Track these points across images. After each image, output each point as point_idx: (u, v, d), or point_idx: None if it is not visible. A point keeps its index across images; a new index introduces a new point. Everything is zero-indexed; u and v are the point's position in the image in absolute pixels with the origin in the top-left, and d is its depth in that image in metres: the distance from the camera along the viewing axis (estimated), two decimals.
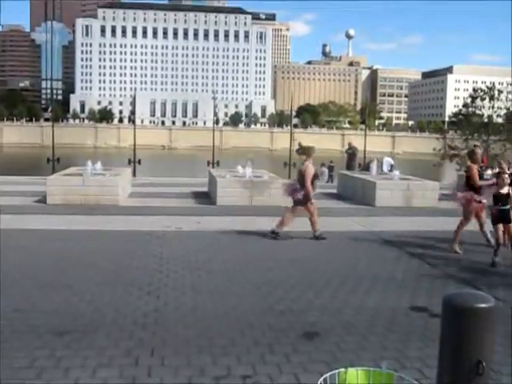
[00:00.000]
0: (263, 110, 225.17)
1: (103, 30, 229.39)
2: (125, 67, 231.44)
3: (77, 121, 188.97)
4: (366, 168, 25.09)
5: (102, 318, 5.97)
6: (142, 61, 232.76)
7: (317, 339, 5.48)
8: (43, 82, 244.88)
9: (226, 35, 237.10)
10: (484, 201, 10.38)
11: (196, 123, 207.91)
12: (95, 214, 13.87)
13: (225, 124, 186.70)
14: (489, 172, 12.40)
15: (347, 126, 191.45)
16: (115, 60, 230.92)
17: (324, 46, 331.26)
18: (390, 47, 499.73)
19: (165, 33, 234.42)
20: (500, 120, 38.80)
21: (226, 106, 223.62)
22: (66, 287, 7.12)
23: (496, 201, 9.62)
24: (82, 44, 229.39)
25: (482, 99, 38.66)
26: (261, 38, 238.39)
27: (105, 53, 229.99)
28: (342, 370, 2.97)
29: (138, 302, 6.52)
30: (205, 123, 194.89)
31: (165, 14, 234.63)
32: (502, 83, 40.87)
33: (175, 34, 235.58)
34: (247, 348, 5.20)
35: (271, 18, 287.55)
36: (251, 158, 18.62)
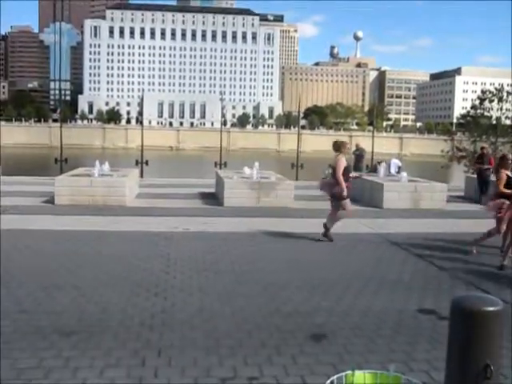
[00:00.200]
0: (271, 111, 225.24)
1: (111, 31, 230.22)
2: (133, 68, 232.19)
3: (85, 121, 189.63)
4: (373, 169, 25.04)
5: (110, 318, 5.98)
6: (149, 62, 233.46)
7: (324, 341, 5.47)
8: (51, 83, 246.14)
9: (234, 36, 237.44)
10: None
11: (203, 124, 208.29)
12: (102, 215, 13.90)
13: (232, 125, 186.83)
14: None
15: (355, 127, 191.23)
16: (123, 61, 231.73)
17: (332, 47, 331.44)
18: (399, 49, 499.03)
19: (173, 34, 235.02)
20: (508, 122, 38.68)
21: (234, 107, 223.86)
22: (73, 288, 7.14)
23: None
24: (91, 45, 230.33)
25: (491, 101, 38.59)
26: (269, 39, 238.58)
27: (113, 54, 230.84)
28: (349, 372, 2.96)
29: (146, 303, 6.53)
30: (212, 124, 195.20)
31: (173, 15, 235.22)
32: (511, 85, 40.71)
33: (183, 35, 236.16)
34: (254, 349, 5.19)
35: (279, 19, 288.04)
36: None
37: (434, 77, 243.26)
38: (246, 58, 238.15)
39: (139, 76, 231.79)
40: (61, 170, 25.58)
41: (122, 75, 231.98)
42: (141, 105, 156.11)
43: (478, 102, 40.00)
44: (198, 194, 19.02)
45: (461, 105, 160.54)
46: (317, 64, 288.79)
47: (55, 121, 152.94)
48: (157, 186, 21.60)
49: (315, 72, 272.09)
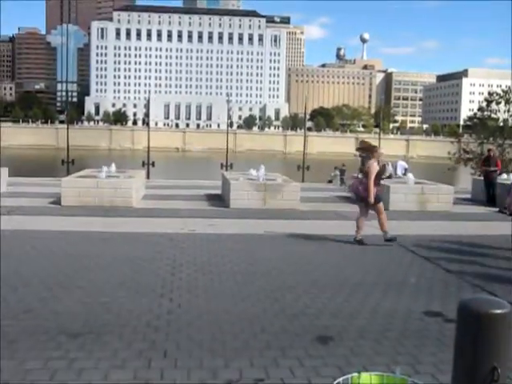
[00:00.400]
0: (277, 112, 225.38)
1: (118, 33, 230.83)
2: (139, 70, 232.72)
3: (91, 123, 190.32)
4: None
5: (115, 319, 5.98)
6: (156, 63, 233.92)
7: (330, 343, 5.45)
8: (58, 85, 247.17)
9: (241, 38, 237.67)
10: None
11: (210, 126, 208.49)
12: (109, 216, 13.93)
13: (239, 127, 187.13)
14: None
15: (361, 129, 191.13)
16: (130, 63, 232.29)
17: (338, 49, 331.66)
18: (406, 51, 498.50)
19: (179, 36, 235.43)
20: None
21: (240, 109, 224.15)
22: (79, 289, 7.15)
23: None
24: (97, 47, 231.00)
25: (498, 103, 38.46)
26: (275, 41, 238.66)
27: (120, 55, 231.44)
28: (355, 374, 2.94)
29: (151, 305, 6.53)
30: (219, 126, 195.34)
31: (179, 17, 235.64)
32: None
33: (190, 36, 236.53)
34: (260, 351, 5.18)
35: (286, 21, 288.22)
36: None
37: (440, 79, 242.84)
38: (252, 60, 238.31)
39: (146, 77, 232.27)
40: (67, 171, 25.68)
41: (129, 77, 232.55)
42: (147, 106, 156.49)
43: (484, 104, 39.87)
44: (203, 196, 19.04)
45: (467, 107, 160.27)
46: (323, 66, 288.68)
47: (62, 122, 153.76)
48: (163, 188, 21.63)
49: (321, 74, 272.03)
